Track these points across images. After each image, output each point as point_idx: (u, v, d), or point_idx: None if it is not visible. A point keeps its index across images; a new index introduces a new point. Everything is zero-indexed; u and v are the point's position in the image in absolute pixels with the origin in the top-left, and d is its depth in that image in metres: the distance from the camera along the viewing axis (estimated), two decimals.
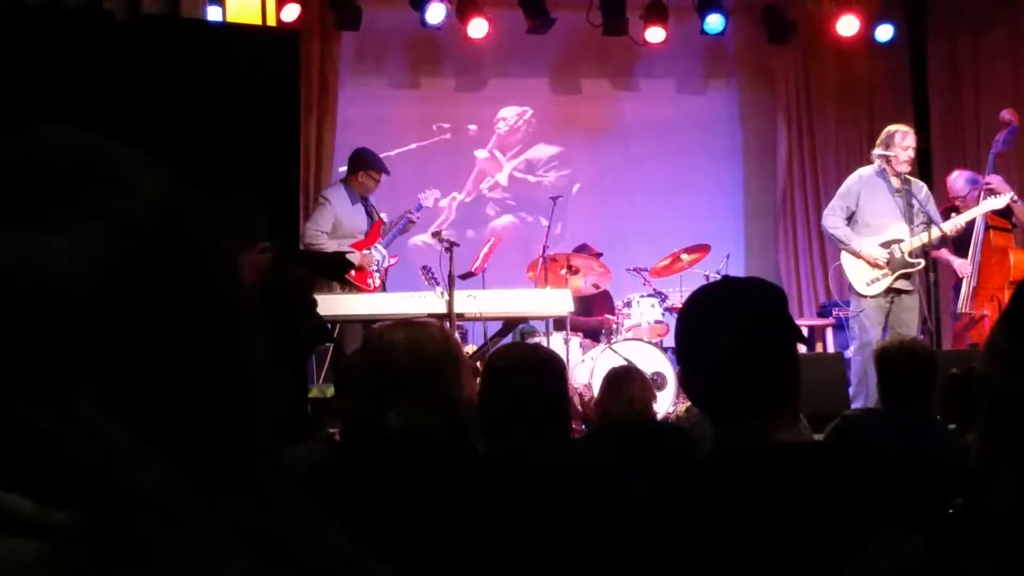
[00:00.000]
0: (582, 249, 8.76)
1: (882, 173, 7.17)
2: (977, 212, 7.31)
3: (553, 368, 2.82)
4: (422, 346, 2.16)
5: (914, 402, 3.94)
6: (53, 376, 0.51)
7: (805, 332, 8.67)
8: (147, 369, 0.54)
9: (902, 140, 7.16)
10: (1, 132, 0.58)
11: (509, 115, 10.18)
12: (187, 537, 0.51)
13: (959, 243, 7.54)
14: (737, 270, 9.23)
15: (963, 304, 7.42)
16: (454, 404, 2.13)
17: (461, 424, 2.14)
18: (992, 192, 7.30)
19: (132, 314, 0.54)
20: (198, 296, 0.58)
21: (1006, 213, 7.45)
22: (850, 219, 7.20)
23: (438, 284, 7.00)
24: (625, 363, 4.52)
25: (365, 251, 7.67)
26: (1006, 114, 7.55)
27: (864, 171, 7.31)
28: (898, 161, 7.13)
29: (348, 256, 7.53)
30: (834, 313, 8.57)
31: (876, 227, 7.10)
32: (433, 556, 1.92)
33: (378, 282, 7.68)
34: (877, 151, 7.26)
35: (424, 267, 7.55)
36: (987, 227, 7.40)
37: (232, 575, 0.51)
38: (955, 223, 7.21)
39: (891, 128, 7.34)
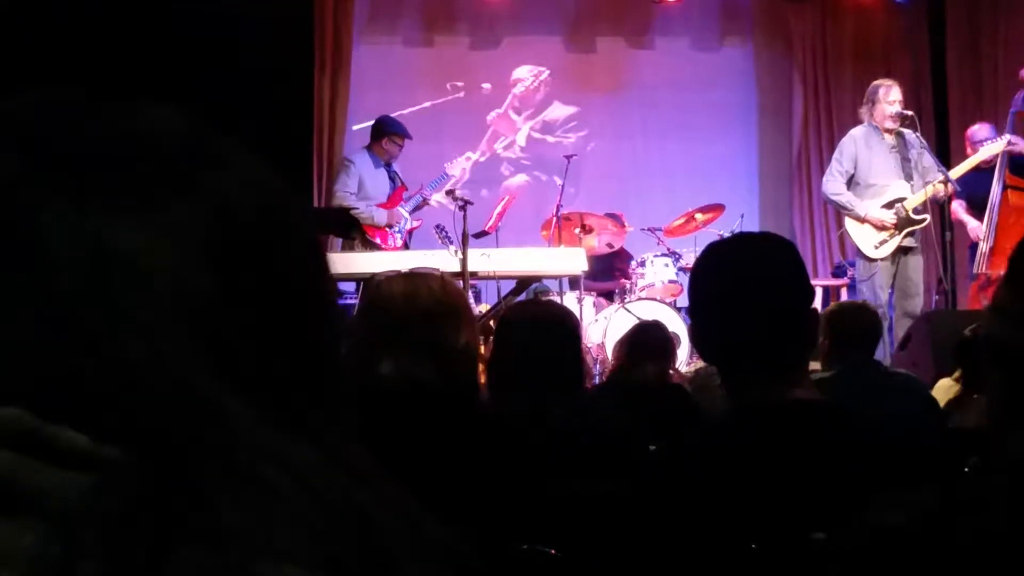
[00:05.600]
0: (612, 218, 8.68)
1: (874, 131, 7.10)
2: (977, 158, 7.24)
3: (567, 324, 2.82)
4: (418, 295, 2.14)
5: (864, 357, 4.06)
6: (153, 335, 0.53)
7: (820, 292, 8.65)
8: (240, 336, 0.56)
9: (886, 95, 7.07)
10: (106, 110, 0.59)
11: (525, 75, 10.11)
12: (241, 484, 0.52)
13: (975, 203, 7.48)
14: (752, 230, 9.18)
15: (979, 264, 7.37)
16: (449, 354, 2.11)
17: (456, 374, 2.12)
18: (1018, 151, 7.24)
19: (230, 289, 0.56)
20: (288, 270, 0.61)
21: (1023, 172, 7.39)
22: (849, 183, 7.12)
23: (452, 243, 6.99)
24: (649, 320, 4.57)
25: (394, 208, 7.69)
26: None
27: (856, 132, 7.20)
28: (883, 116, 7.04)
29: (375, 215, 7.55)
30: (849, 273, 8.54)
31: (877, 188, 7.02)
32: (431, 505, 1.93)
33: (399, 242, 7.69)
34: (864, 109, 7.20)
35: (438, 226, 7.54)
36: (1004, 187, 7.34)
37: (281, 525, 0.51)
38: (959, 169, 7.16)
39: (875, 83, 7.27)
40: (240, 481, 0.51)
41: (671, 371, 4.65)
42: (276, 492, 0.52)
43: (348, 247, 7.59)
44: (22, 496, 0.48)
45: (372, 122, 8.15)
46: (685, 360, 7.29)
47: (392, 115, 8.38)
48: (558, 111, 10.15)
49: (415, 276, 2.28)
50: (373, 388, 2.07)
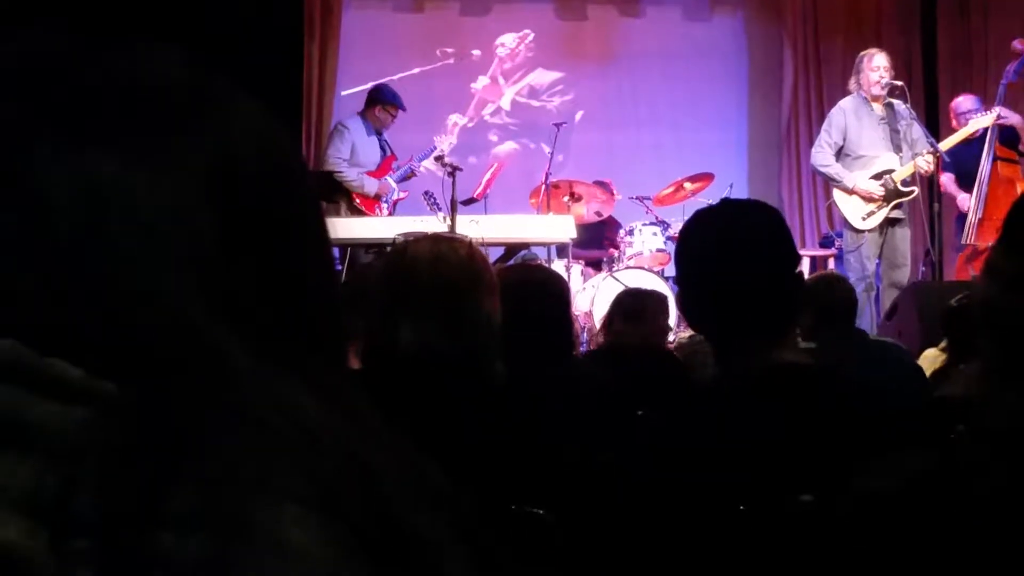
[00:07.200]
0: (601, 186, 8.65)
1: (863, 103, 7.10)
2: (968, 130, 7.25)
3: (555, 287, 2.82)
4: (444, 262, 2.06)
5: (845, 328, 4.13)
6: (152, 274, 0.52)
7: (807, 263, 8.66)
8: (239, 278, 0.56)
9: (869, 62, 7.10)
10: (106, 54, 0.59)
11: (509, 40, 10.06)
12: (240, 423, 0.52)
13: (964, 175, 7.48)
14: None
15: (967, 236, 7.39)
16: (473, 325, 2.04)
17: (478, 346, 2.05)
18: (1008, 123, 7.25)
19: (230, 231, 0.56)
20: (287, 214, 0.61)
21: (1013, 143, 7.39)
22: (838, 154, 7.12)
23: (440, 209, 6.98)
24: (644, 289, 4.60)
25: (383, 179, 7.66)
26: (1017, 44, 7.45)
27: (845, 103, 7.21)
28: (868, 83, 7.05)
29: (366, 183, 7.52)
30: (836, 244, 8.55)
31: (866, 159, 7.03)
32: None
33: (386, 213, 7.67)
34: (852, 80, 7.21)
35: (426, 192, 7.52)
36: (994, 158, 7.35)
37: (280, 465, 0.51)
38: (949, 141, 7.18)
39: (861, 53, 7.29)
40: (238, 420, 0.51)
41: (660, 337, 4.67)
42: (274, 432, 0.52)
43: (333, 212, 7.56)
44: (16, 428, 0.47)
45: (362, 88, 8.10)
46: (673, 329, 7.29)
47: (382, 81, 8.34)
48: (543, 76, 10.11)
49: (442, 240, 2.18)
50: (391, 353, 2.01)
